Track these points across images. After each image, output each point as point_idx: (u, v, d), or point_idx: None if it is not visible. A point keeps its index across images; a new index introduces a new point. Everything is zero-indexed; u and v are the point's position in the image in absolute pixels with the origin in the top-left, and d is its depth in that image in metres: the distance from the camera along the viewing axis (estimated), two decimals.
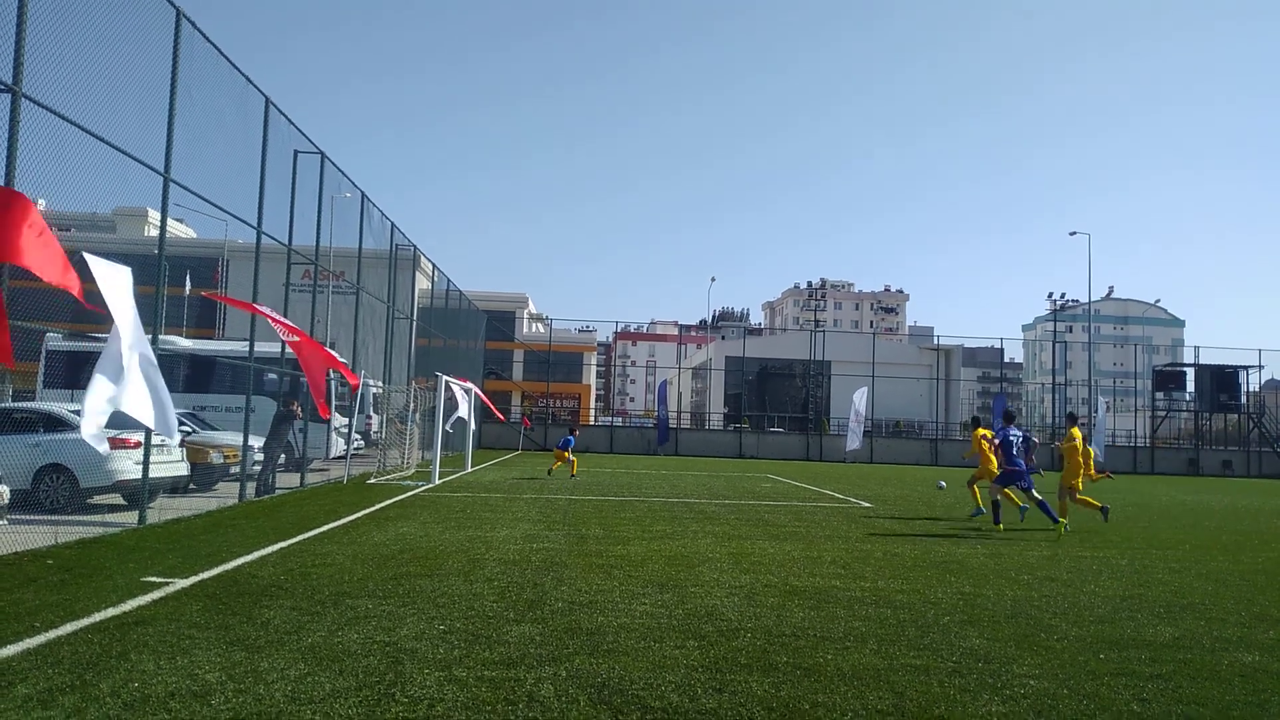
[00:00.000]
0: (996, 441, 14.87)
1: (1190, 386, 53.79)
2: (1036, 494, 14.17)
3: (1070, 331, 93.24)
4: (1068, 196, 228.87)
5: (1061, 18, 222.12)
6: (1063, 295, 58.88)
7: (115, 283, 9.36)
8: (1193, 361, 53.78)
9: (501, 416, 31.65)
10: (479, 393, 27.88)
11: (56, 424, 12.70)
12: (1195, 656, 6.23)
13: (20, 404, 15.42)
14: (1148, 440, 52.54)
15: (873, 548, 11.54)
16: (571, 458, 24.25)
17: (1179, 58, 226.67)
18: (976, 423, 17.66)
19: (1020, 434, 14.70)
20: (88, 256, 9.36)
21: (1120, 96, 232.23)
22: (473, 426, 26.55)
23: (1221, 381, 51.49)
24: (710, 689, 5.05)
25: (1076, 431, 14.89)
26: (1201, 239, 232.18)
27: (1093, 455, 15.74)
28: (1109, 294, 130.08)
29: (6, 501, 10.08)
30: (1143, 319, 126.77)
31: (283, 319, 14.16)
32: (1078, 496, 14.69)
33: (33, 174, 8.78)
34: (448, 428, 24.37)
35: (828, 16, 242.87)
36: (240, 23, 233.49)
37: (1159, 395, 54.32)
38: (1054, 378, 55.40)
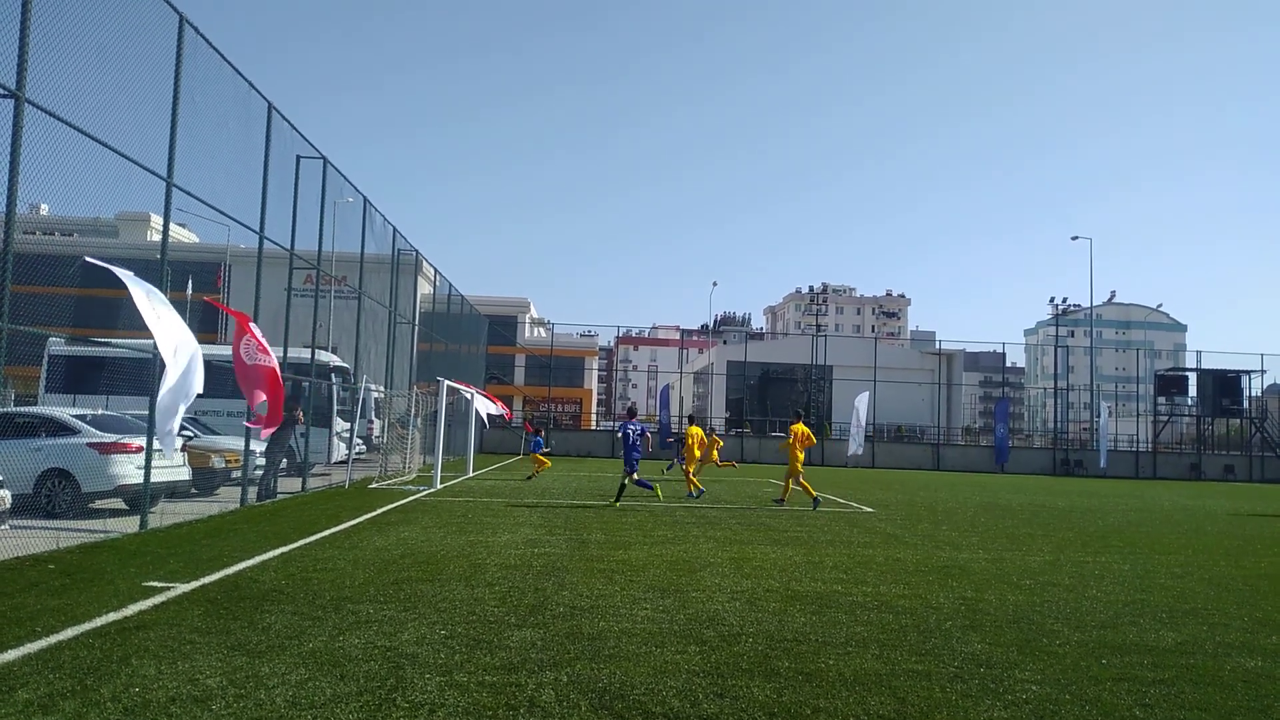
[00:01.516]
0: (618, 435, 18.38)
1: (1192, 391, 53.72)
2: (637, 476, 17.73)
3: (1072, 336, 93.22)
4: (1069, 200, 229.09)
5: (1062, 21, 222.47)
6: (1064, 300, 59.06)
7: (148, 300, 9.64)
8: (1195, 366, 53.72)
9: (509, 413, 31.68)
10: (483, 392, 28.02)
11: (59, 429, 12.72)
12: (1198, 662, 6.22)
13: (22, 409, 15.44)
14: (1150, 445, 52.46)
15: (874, 553, 11.53)
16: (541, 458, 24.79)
17: (1181, 61, 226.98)
18: (799, 416, 19.72)
19: (639, 427, 17.83)
20: (122, 273, 9.52)
21: (1121, 100, 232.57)
22: (487, 412, 26.68)
23: (1224, 386, 51.42)
24: (712, 694, 5.05)
25: (797, 428, 18.16)
26: (1204, 243, 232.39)
27: (719, 444, 21.91)
28: (1111, 298, 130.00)
29: (8, 506, 10.09)
30: (1145, 323, 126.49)
31: (261, 341, 14.02)
32: (798, 483, 18.14)
33: (36, 179, 8.80)
34: (486, 423, 25.96)
35: (828, 19, 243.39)
36: (241, 26, 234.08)
37: (1161, 400, 54.24)
38: (1056, 382, 55.28)
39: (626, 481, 17.63)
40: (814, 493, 18.17)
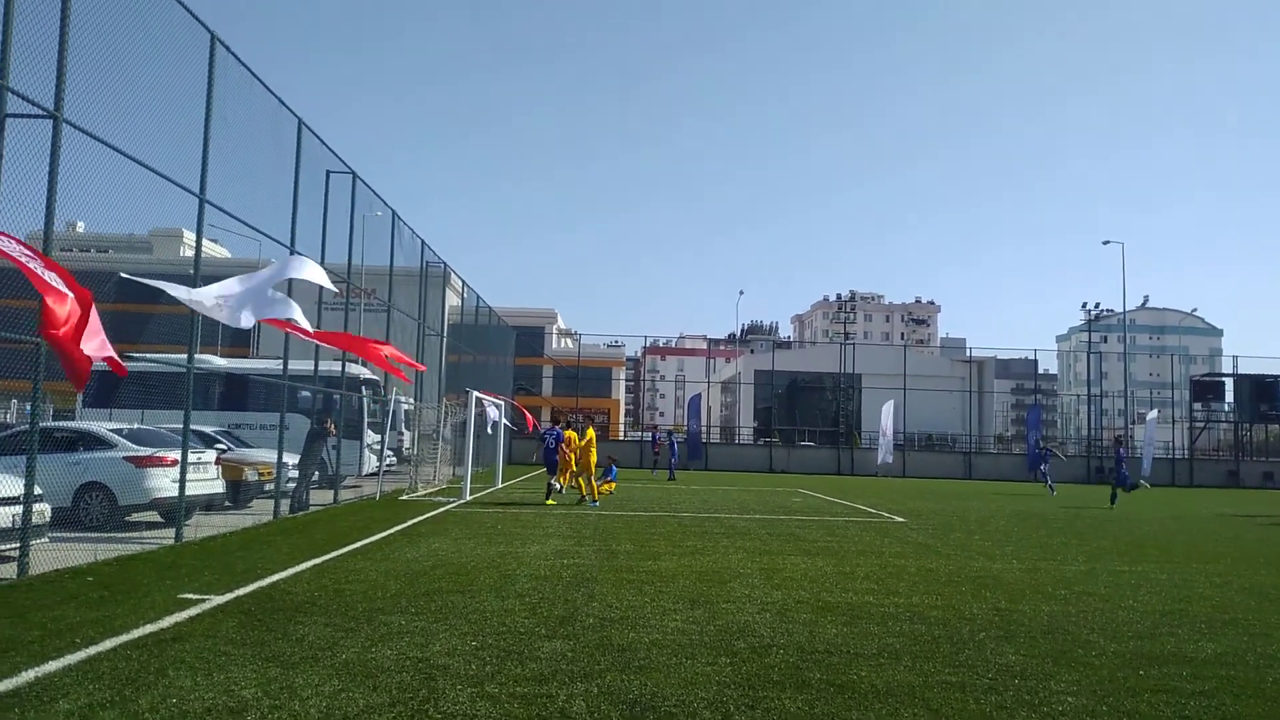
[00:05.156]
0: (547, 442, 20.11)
1: (1229, 397, 52.89)
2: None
3: (1105, 342, 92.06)
4: (1100, 205, 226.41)
5: (1094, 27, 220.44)
6: (1097, 305, 58.27)
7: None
8: (1231, 371, 53.04)
9: (531, 424, 31.70)
10: (517, 404, 28.07)
11: (96, 443, 12.91)
12: (1239, 673, 6.11)
13: (61, 423, 15.69)
14: (1186, 452, 51.65)
15: (906, 563, 11.43)
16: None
17: (1213, 65, 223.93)
18: (579, 425, 21.07)
19: (556, 433, 19.93)
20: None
21: (1153, 105, 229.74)
22: (502, 424, 26.56)
23: (1261, 391, 50.55)
24: (743, 706, 5.03)
25: (585, 434, 20.08)
26: (1238, 246, 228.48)
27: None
28: (1144, 303, 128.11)
29: (48, 519, 10.23)
30: (1179, 328, 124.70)
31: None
32: (587, 481, 20.01)
33: (73, 197, 8.97)
34: (488, 429, 26.39)
35: (854, 26, 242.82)
36: (270, 40, 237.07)
37: (1197, 406, 53.43)
38: (1089, 389, 54.66)
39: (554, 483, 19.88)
40: (585, 495, 19.85)
